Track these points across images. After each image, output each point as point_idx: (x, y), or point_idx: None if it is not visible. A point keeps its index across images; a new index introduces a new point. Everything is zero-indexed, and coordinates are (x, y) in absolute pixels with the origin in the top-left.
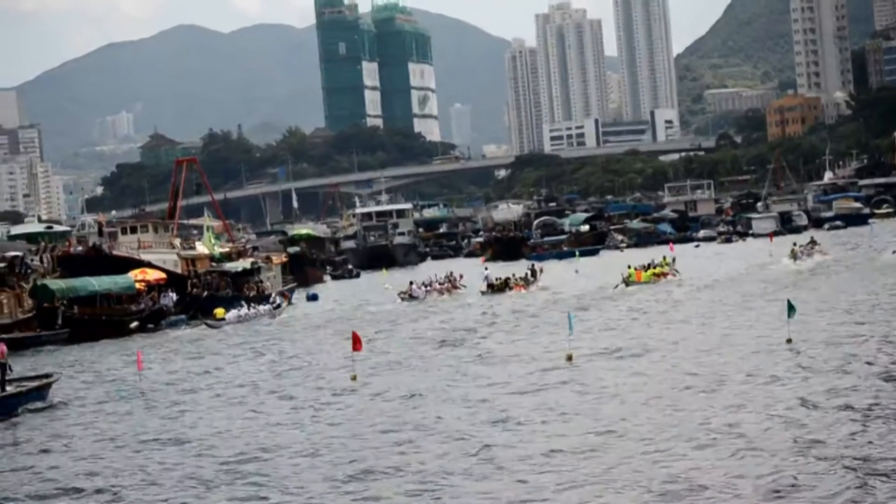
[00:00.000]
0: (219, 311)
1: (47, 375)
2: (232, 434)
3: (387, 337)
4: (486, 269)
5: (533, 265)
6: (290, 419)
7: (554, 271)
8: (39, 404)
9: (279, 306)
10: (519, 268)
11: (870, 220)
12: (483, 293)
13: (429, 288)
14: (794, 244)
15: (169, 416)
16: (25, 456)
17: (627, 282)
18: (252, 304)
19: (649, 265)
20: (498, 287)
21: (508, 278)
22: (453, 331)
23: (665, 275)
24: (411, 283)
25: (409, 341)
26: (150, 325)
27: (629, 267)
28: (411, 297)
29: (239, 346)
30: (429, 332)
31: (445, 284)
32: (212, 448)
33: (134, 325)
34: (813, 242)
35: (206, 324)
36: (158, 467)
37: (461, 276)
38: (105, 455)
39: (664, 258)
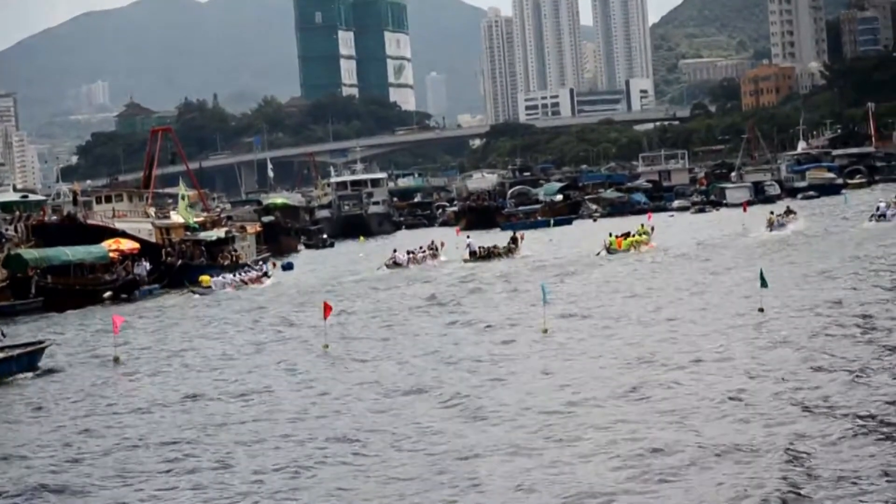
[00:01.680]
0: (204, 279)
1: (39, 342)
2: (208, 401)
3: (365, 304)
4: (469, 237)
5: (514, 234)
6: (263, 386)
7: (528, 241)
8: (30, 371)
9: (265, 273)
10: (493, 237)
11: (843, 191)
12: (466, 261)
13: (412, 256)
14: (772, 213)
15: (145, 382)
16: (14, 420)
17: (609, 249)
18: (239, 272)
19: (628, 233)
20: (480, 255)
21: (492, 247)
22: (432, 299)
23: (644, 243)
24: (395, 250)
25: (388, 308)
26: (124, 295)
27: (610, 234)
28: (396, 265)
29: (220, 313)
30: (408, 299)
31: (428, 252)
32: (190, 414)
33: (107, 294)
34: (789, 211)
35: (193, 291)
36: (136, 433)
37: (443, 245)
38: (87, 420)
39: (642, 226)
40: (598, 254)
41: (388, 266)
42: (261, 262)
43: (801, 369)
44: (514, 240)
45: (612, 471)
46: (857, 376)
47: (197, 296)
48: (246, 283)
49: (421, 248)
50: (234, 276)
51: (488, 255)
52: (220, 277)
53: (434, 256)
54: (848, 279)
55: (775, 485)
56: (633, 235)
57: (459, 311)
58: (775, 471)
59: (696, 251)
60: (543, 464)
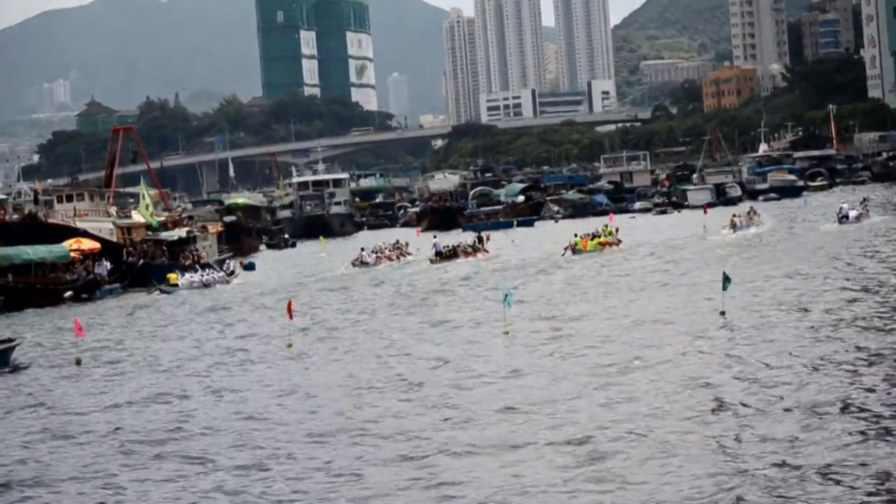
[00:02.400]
0: (172, 277)
1: (9, 340)
2: (171, 400)
3: (329, 303)
4: (435, 237)
5: (480, 234)
6: (226, 385)
7: (490, 242)
8: (1, 368)
9: (233, 272)
10: (455, 238)
11: (804, 193)
12: (432, 261)
13: (379, 255)
14: (735, 214)
15: (107, 381)
16: None
17: (574, 249)
18: (206, 270)
19: (594, 234)
20: (447, 255)
21: (457, 246)
22: (396, 298)
23: (609, 244)
24: (362, 249)
25: (352, 308)
26: (85, 295)
27: (575, 235)
28: (363, 264)
29: (183, 313)
30: (373, 299)
31: (394, 252)
32: (153, 414)
33: (68, 294)
34: (753, 212)
35: (160, 290)
36: (100, 432)
37: (407, 244)
38: (50, 420)
39: (606, 227)
40: (563, 254)
41: (354, 265)
42: (227, 262)
43: (760, 370)
44: (479, 239)
45: (572, 470)
46: (816, 376)
47: (162, 294)
48: (213, 283)
49: (385, 245)
50: (201, 275)
51: (453, 252)
52: (187, 276)
53: (400, 256)
54: (811, 281)
55: (735, 482)
56: (600, 236)
57: (424, 311)
58: (735, 468)
59: (659, 253)
60: (505, 463)
